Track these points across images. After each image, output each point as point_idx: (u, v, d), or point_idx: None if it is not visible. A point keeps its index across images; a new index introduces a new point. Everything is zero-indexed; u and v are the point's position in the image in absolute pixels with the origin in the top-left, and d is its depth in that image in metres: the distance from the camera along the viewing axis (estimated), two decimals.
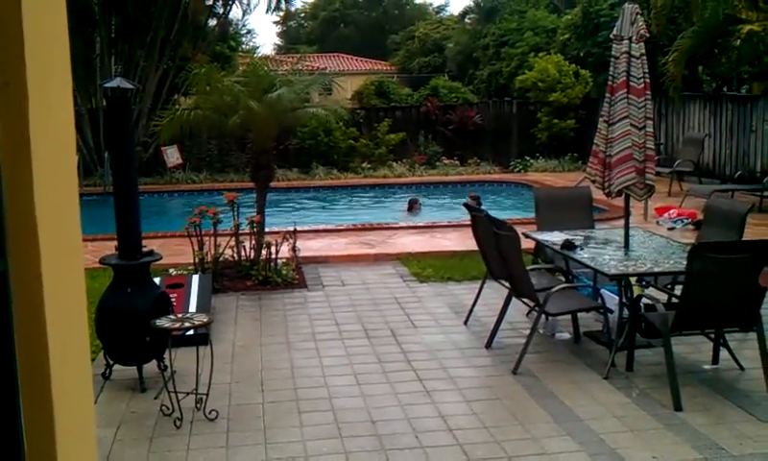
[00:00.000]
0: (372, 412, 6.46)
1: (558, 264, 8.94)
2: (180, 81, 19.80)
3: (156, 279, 8.39)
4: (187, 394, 6.61)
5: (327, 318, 9.15)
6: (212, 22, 25.29)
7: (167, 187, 21.28)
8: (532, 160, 24.08)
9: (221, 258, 10.35)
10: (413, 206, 18.08)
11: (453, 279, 11.04)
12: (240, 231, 10.57)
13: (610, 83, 8.22)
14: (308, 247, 12.45)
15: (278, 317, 9.22)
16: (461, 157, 24.47)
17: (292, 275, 10.78)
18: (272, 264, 10.63)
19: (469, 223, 8.90)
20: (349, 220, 16.56)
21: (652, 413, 6.47)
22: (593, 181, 8.43)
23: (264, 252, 10.64)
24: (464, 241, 12.34)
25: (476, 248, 8.95)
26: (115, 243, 7.21)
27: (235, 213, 10.44)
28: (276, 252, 10.70)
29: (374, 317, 9.15)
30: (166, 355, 7.08)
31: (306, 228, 13.77)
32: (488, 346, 8.13)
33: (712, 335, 7.68)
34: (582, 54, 25.08)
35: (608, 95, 8.22)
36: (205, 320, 6.62)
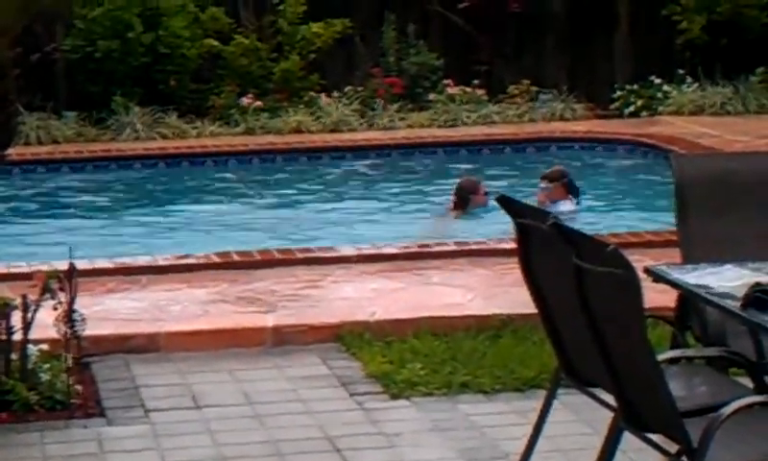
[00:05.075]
0: None
1: (732, 347, 5.52)
2: None
3: None
4: None
5: None
6: None
7: None
8: (669, 88, 13.63)
9: None
10: (467, 199, 9.99)
11: (472, 388, 7.11)
12: None
13: None
14: (109, 311, 7.48)
15: None
16: (491, 78, 13.54)
17: (66, 385, 6.42)
18: (13, 357, 6.38)
19: (515, 245, 5.46)
20: (215, 242, 9.67)
21: None
22: None
23: None
24: (500, 292, 7.92)
25: (532, 309, 5.30)
26: None
27: None
28: (27, 326, 6.34)
29: None
30: None
31: (104, 263, 8.35)
32: None
33: None
34: None
35: None
36: None
